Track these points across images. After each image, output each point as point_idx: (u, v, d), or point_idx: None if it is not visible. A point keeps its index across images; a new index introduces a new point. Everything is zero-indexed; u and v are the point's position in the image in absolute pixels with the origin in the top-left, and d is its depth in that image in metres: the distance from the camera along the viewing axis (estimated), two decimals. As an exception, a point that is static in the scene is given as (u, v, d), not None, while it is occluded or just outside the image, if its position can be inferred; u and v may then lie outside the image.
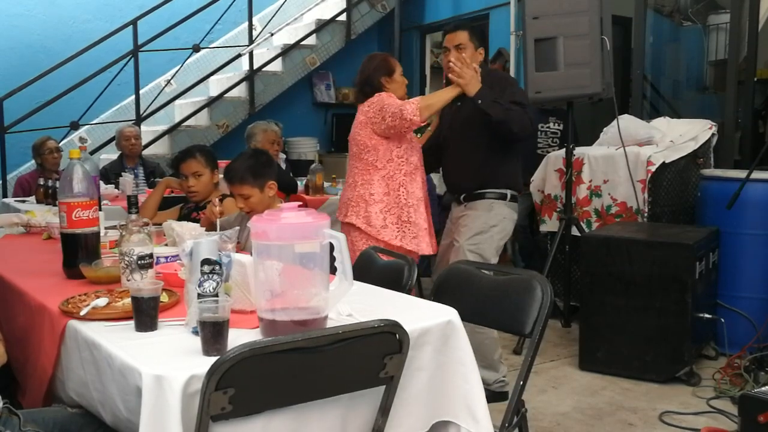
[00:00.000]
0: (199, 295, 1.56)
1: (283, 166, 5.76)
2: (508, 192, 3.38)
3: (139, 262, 1.94)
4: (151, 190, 4.38)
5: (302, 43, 7.26)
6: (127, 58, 6.34)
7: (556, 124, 5.18)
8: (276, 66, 7.18)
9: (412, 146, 3.27)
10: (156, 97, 6.71)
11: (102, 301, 1.79)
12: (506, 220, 3.38)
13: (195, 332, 1.53)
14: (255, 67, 7.00)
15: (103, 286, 2.01)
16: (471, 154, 3.37)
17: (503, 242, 3.41)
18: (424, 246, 3.22)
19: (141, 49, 6.37)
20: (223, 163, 3.36)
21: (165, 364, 1.41)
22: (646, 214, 4.26)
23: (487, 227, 3.32)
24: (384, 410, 1.60)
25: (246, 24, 7.19)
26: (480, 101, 3.16)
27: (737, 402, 2.68)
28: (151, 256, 1.99)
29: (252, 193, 2.85)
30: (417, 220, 3.21)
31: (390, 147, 3.21)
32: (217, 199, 3.18)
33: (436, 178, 5.90)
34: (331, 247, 1.56)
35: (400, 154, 3.21)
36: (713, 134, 4.52)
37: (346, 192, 3.34)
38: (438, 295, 2.19)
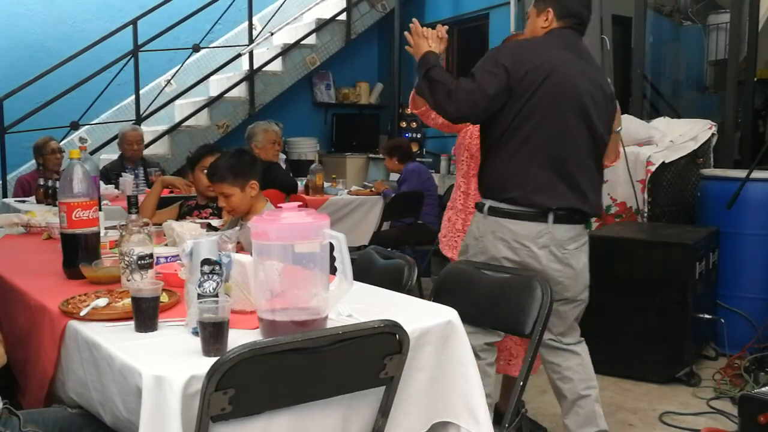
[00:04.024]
0: (199, 296, 1.56)
1: (283, 166, 5.76)
2: (488, 202, 2.50)
3: (139, 262, 1.94)
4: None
5: (302, 42, 7.26)
6: (127, 58, 6.33)
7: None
8: (276, 66, 7.18)
9: (461, 144, 3.04)
10: (156, 97, 6.70)
11: (102, 302, 1.79)
12: (485, 237, 2.49)
13: (195, 332, 1.53)
14: (255, 67, 6.99)
15: (103, 287, 2.00)
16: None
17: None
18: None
19: (141, 49, 6.37)
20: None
21: (165, 364, 1.41)
22: (645, 215, 4.26)
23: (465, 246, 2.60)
24: (384, 411, 1.60)
25: (246, 24, 7.19)
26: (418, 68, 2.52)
27: (737, 402, 2.68)
28: (151, 256, 1.99)
29: (232, 192, 2.79)
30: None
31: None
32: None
33: (437, 178, 5.91)
34: (331, 247, 1.56)
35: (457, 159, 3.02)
36: (713, 134, 4.52)
37: None
38: (438, 295, 2.19)
